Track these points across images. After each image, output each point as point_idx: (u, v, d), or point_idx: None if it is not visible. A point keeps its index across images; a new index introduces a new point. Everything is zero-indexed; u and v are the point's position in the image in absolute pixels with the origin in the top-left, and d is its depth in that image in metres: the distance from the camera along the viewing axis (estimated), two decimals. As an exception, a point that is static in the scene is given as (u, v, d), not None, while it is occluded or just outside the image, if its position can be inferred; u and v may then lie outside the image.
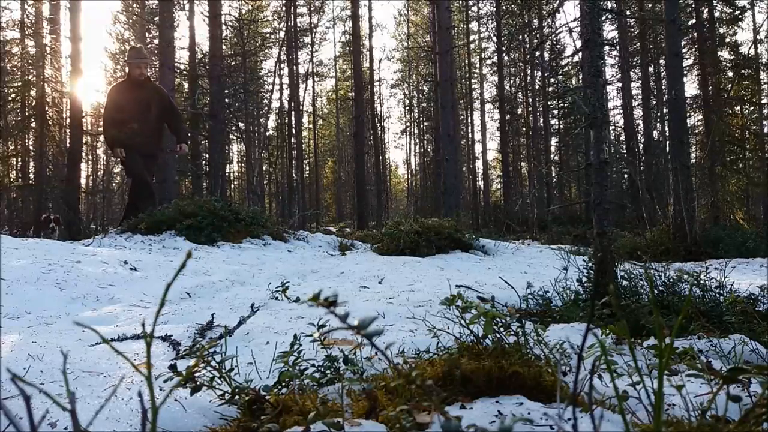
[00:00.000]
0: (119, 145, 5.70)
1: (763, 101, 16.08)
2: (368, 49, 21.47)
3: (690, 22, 14.82)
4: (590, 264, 2.24)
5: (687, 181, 5.34)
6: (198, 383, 0.93)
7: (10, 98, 10.37)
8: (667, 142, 14.91)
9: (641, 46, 18.24)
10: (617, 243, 5.39)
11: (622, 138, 19.23)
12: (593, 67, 2.20)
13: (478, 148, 28.00)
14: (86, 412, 0.97)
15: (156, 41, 16.82)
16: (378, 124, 23.17)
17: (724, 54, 15.91)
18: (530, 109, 22.35)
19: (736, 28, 16.12)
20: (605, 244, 2.10)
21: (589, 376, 0.56)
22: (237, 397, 0.96)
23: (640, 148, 16.49)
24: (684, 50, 14.57)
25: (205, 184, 13.97)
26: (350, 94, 24.83)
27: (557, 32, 20.87)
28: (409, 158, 32.27)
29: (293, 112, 21.64)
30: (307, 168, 30.74)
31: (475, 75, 27.59)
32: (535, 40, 20.93)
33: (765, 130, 15.90)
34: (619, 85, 20.25)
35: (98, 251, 3.59)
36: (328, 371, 1.10)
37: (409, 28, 27.33)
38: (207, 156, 14.06)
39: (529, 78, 23.02)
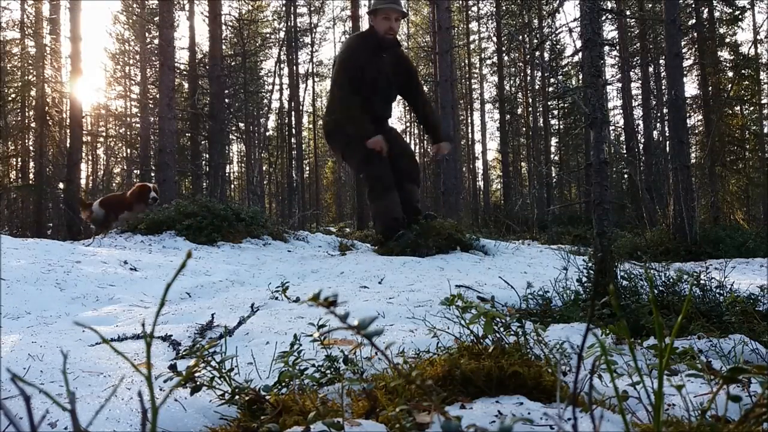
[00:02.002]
0: (369, 135, 4.12)
1: (763, 101, 16.08)
2: (368, 49, 21.43)
3: (690, 22, 14.82)
4: (590, 264, 2.24)
5: (687, 181, 5.34)
6: (198, 383, 0.93)
7: (10, 98, 10.36)
8: (667, 142, 14.91)
9: (641, 46, 18.24)
10: (617, 243, 5.39)
11: (622, 138, 19.24)
12: (593, 67, 2.20)
13: (478, 148, 28.05)
14: (86, 412, 0.97)
15: (156, 41, 16.83)
16: (378, 124, 23.11)
17: (724, 54, 15.93)
18: (530, 109, 22.36)
19: (736, 28, 16.12)
20: (605, 244, 2.10)
21: (589, 376, 0.56)
22: (237, 397, 0.96)
23: (640, 148, 16.49)
24: (684, 50, 14.56)
25: (205, 184, 13.98)
26: (350, 94, 24.78)
27: (557, 32, 20.88)
28: (409, 158, 32.20)
29: (293, 112, 21.64)
30: (307, 168, 30.74)
31: (475, 75, 27.60)
32: (535, 40, 20.94)
33: (765, 130, 15.90)
34: (619, 85, 20.26)
35: (98, 251, 3.59)
36: (328, 371, 1.10)
37: (409, 28, 27.32)
38: (207, 156, 14.07)
39: (529, 78, 23.02)
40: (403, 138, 4.77)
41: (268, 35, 23.47)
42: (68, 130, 9.00)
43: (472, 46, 26.03)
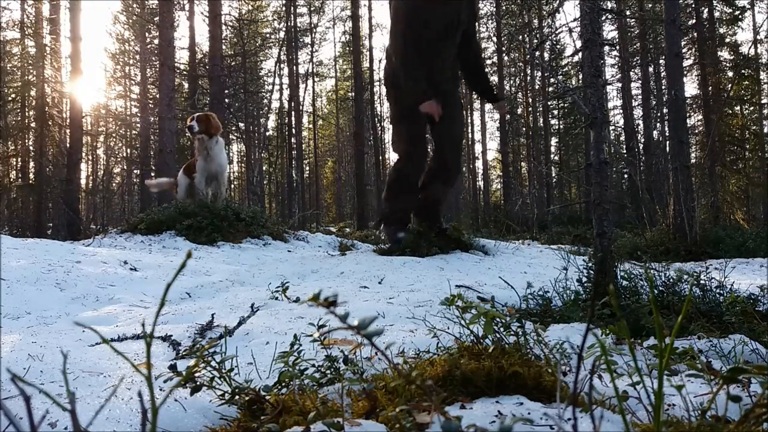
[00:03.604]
0: (429, 96, 3.65)
1: (763, 101, 16.08)
2: (368, 49, 21.46)
3: (690, 22, 14.82)
4: (590, 264, 2.24)
5: (687, 181, 5.34)
6: (198, 383, 0.93)
7: (10, 98, 10.37)
8: (667, 142, 14.92)
9: (641, 46, 18.25)
10: (617, 243, 5.39)
11: (622, 138, 19.25)
12: (593, 67, 2.20)
13: (478, 148, 28.02)
14: (86, 412, 0.97)
15: (156, 41, 16.84)
16: (378, 124, 23.18)
17: (724, 54, 15.93)
18: (530, 109, 22.35)
19: (736, 28, 16.13)
20: (605, 244, 2.10)
21: (589, 376, 0.56)
22: (237, 397, 0.96)
23: (640, 148, 16.49)
24: (684, 50, 14.57)
25: (205, 184, 13.93)
26: (350, 94, 24.83)
27: (557, 32, 20.87)
28: (409, 158, 32.19)
29: (293, 112, 21.64)
30: (307, 168, 30.75)
31: (475, 75, 27.54)
32: (535, 40, 20.93)
33: (765, 130, 15.90)
34: (619, 85, 20.27)
35: (98, 251, 3.59)
36: (328, 371, 1.10)
37: (409, 28, 27.26)
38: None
39: (529, 78, 23.02)
40: (460, 121, 4.11)
41: (268, 35, 23.49)
42: (68, 130, 8.99)
43: (472, 46, 25.98)
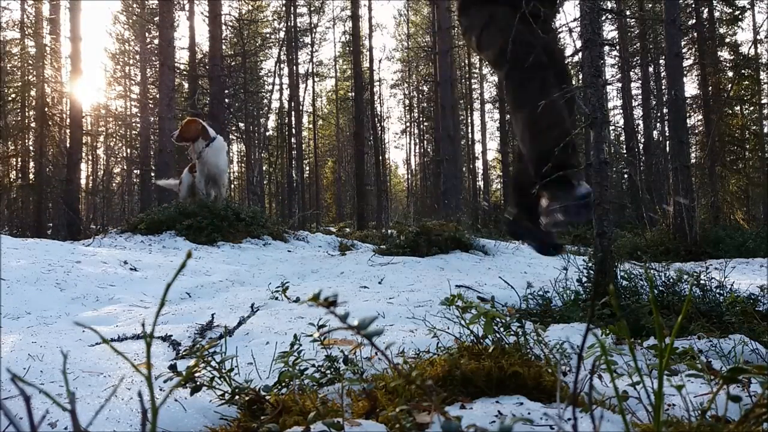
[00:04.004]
0: None
1: (763, 101, 16.07)
2: (368, 49, 21.44)
3: (690, 22, 14.82)
4: (590, 264, 2.23)
5: (687, 181, 5.34)
6: (198, 383, 0.93)
7: (10, 98, 10.37)
8: (667, 142, 14.93)
9: (641, 46, 18.24)
10: (617, 243, 5.38)
11: (622, 138, 19.24)
12: (593, 67, 2.20)
13: (478, 148, 28.02)
14: (86, 412, 0.97)
15: (156, 41, 16.84)
16: (378, 124, 23.17)
17: (724, 54, 15.92)
18: (530, 109, 22.28)
19: (736, 28, 16.12)
20: (605, 244, 2.09)
21: (589, 376, 0.56)
22: (237, 397, 0.96)
23: (640, 148, 16.49)
24: (684, 50, 14.56)
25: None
26: (350, 94, 24.81)
27: (557, 32, 20.86)
28: (409, 158, 32.27)
29: (293, 112, 21.64)
30: (307, 168, 30.73)
31: (475, 75, 27.56)
32: (535, 40, 20.89)
33: (765, 130, 15.89)
34: (619, 85, 20.26)
35: (98, 251, 3.59)
36: (328, 371, 1.10)
37: (409, 28, 27.31)
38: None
39: (529, 78, 22.94)
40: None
41: (268, 35, 23.47)
42: (68, 130, 9.00)
43: (472, 46, 25.92)
